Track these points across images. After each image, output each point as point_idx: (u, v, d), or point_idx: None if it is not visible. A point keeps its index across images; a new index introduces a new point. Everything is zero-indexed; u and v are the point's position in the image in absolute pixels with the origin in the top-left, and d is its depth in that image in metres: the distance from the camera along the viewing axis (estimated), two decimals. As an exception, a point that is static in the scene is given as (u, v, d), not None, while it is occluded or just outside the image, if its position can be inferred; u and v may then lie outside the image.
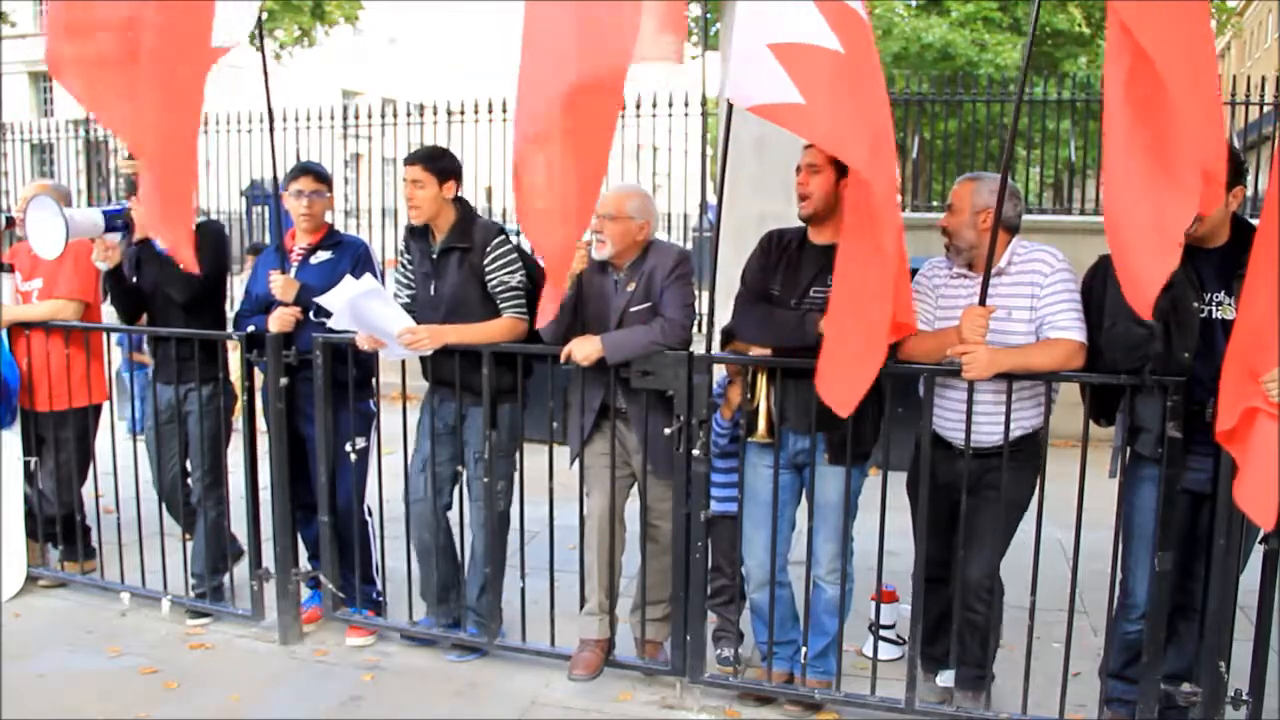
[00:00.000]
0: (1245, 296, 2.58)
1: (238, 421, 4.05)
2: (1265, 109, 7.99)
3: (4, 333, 4.19)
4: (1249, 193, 3.36)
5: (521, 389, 3.56)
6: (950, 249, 3.14)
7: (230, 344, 4.03)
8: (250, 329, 3.83)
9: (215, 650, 3.81)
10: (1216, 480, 2.75)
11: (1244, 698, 2.83)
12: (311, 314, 3.71)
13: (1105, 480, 3.09)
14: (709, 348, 3.31)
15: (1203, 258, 2.81)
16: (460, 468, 3.70)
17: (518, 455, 3.66)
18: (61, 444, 4.26)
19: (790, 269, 3.21)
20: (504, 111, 8.50)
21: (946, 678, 3.34)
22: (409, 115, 9.14)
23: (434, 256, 3.60)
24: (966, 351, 2.85)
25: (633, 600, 3.65)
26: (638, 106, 8.12)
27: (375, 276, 3.72)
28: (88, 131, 11.14)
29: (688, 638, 3.33)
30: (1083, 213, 8.39)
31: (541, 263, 3.22)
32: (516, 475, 3.64)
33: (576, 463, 3.51)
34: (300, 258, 3.87)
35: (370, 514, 3.89)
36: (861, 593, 3.63)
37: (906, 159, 8.39)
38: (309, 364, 3.71)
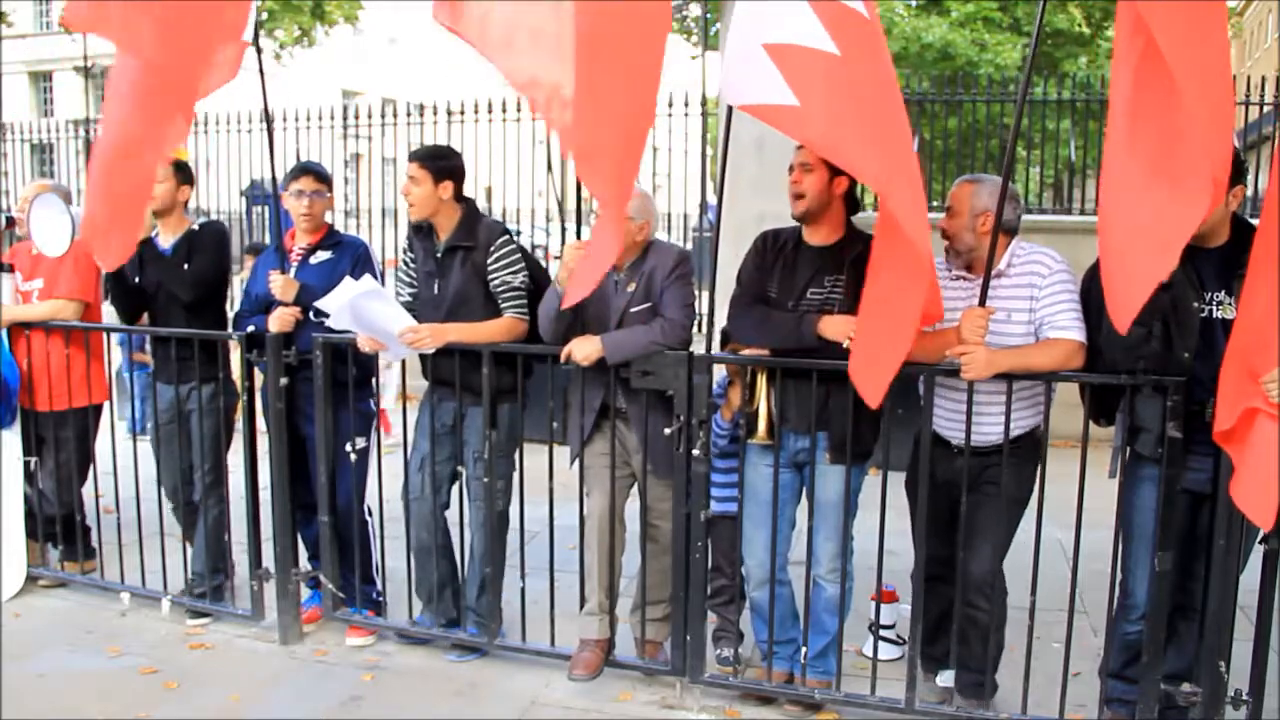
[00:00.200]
0: (1245, 296, 2.58)
1: (240, 420, 4.05)
2: (1265, 109, 7.99)
3: (4, 333, 4.19)
4: (1249, 193, 3.36)
5: (521, 389, 3.57)
6: (949, 251, 3.14)
7: (232, 343, 4.03)
8: (250, 329, 3.83)
9: (215, 650, 3.81)
10: (1216, 480, 2.75)
11: (1244, 698, 2.83)
12: (311, 314, 3.71)
13: (1105, 480, 3.09)
14: (709, 348, 3.31)
15: (1203, 257, 2.81)
16: (459, 467, 3.71)
17: (517, 455, 3.66)
18: (61, 444, 4.26)
19: (786, 270, 3.20)
20: (504, 111, 8.50)
21: (946, 678, 3.34)
22: (409, 115, 9.14)
23: (438, 255, 3.60)
24: (966, 352, 2.85)
25: (633, 600, 3.65)
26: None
27: (375, 277, 3.73)
28: (88, 131, 11.13)
29: (688, 638, 3.33)
30: (1083, 213, 8.39)
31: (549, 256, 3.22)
32: (516, 475, 3.65)
33: (576, 463, 3.51)
34: (300, 258, 3.87)
35: (370, 514, 3.89)
36: (861, 592, 3.63)
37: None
38: (309, 364, 3.71)
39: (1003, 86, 8.94)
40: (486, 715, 3.34)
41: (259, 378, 3.91)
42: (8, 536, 4.17)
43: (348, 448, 3.77)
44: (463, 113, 8.72)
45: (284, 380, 3.77)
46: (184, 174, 4.04)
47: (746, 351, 3.24)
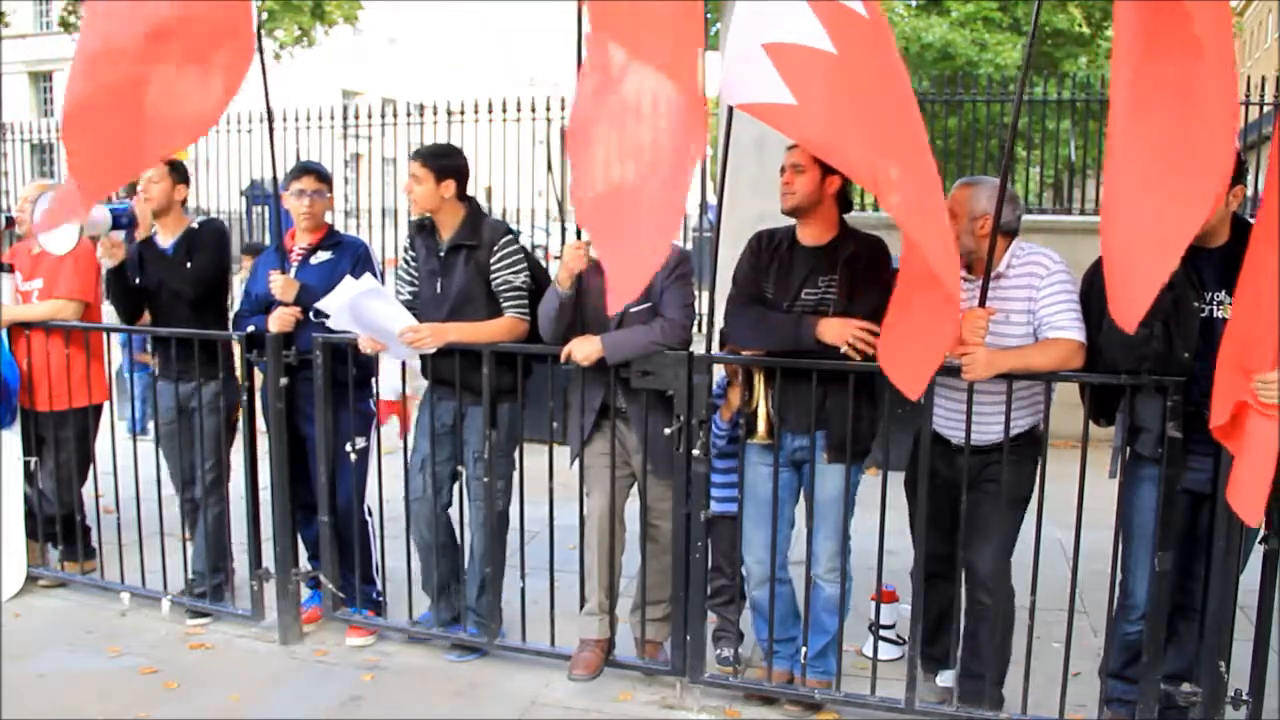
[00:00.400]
0: (1240, 292, 2.58)
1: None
2: (1265, 109, 7.98)
3: (4, 333, 4.19)
4: (1249, 193, 3.36)
5: (521, 389, 3.57)
6: None
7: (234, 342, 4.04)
8: (250, 329, 3.83)
9: (215, 650, 3.81)
10: (1216, 480, 2.75)
11: (1244, 698, 2.83)
12: (311, 314, 3.71)
13: (1105, 480, 3.09)
14: (709, 348, 3.31)
15: (1203, 257, 2.81)
16: (459, 467, 3.71)
17: (517, 454, 3.66)
18: (61, 444, 4.26)
19: (781, 270, 3.20)
20: (504, 111, 8.50)
21: (946, 678, 3.33)
22: (409, 115, 9.15)
23: (441, 254, 3.60)
24: (966, 353, 2.85)
25: (633, 600, 3.65)
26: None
27: (375, 277, 3.73)
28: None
29: (688, 638, 3.33)
30: (1083, 213, 8.39)
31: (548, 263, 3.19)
32: (515, 475, 3.65)
33: (576, 463, 3.51)
34: (300, 258, 3.87)
35: (370, 514, 3.89)
36: (861, 592, 3.63)
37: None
38: (309, 364, 3.71)
39: (1003, 86, 8.95)
40: (486, 715, 3.34)
41: (259, 378, 3.91)
42: (8, 536, 4.17)
43: (348, 448, 3.77)
44: (463, 113, 8.72)
45: (284, 380, 3.77)
46: (179, 173, 4.04)
47: (746, 352, 3.24)
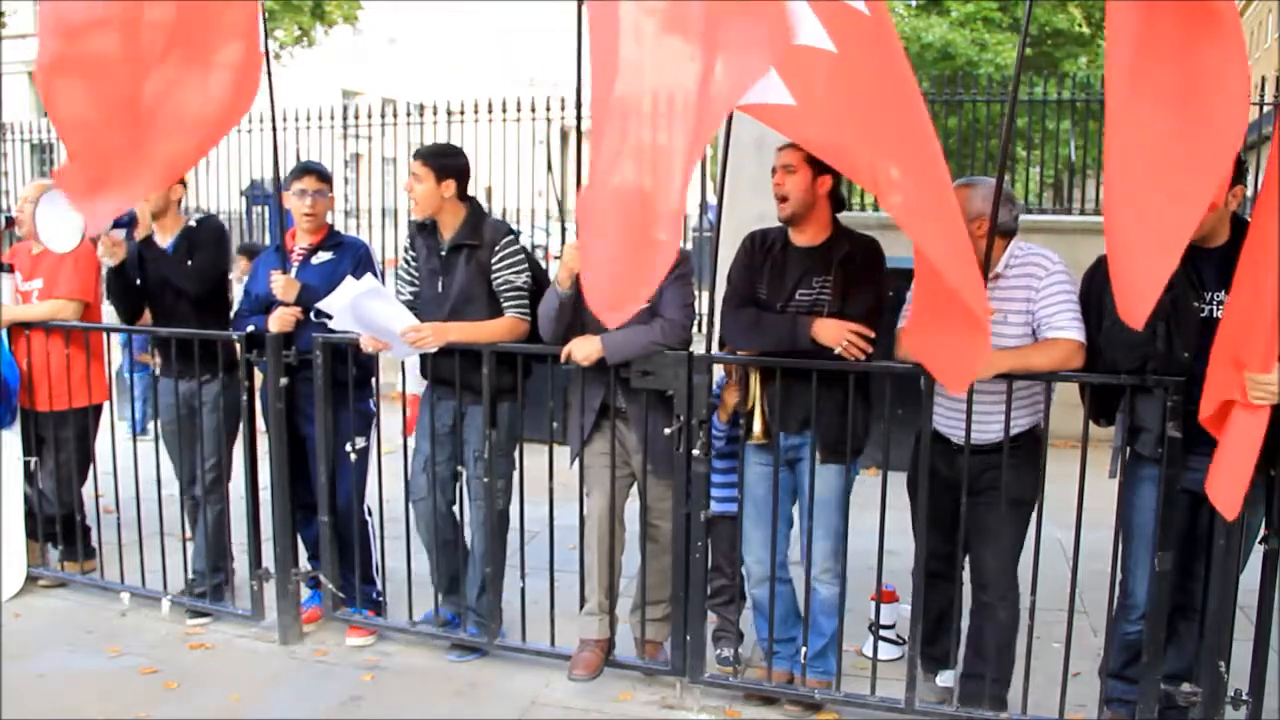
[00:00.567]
0: (1235, 288, 2.58)
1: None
2: (1265, 109, 7.98)
3: (4, 333, 4.19)
4: (1248, 193, 3.36)
5: (521, 388, 3.57)
6: None
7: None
8: (250, 329, 3.83)
9: (215, 650, 3.81)
10: (1217, 480, 2.75)
11: (1244, 698, 2.84)
12: (312, 314, 3.71)
13: (1105, 480, 3.09)
14: (709, 348, 3.31)
15: (1203, 257, 2.81)
16: (459, 467, 3.71)
17: (517, 454, 3.66)
18: (61, 444, 4.26)
19: (775, 271, 3.21)
20: (504, 111, 8.50)
21: (946, 678, 3.34)
22: (409, 115, 9.14)
23: (442, 253, 3.60)
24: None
25: (633, 600, 3.65)
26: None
27: (376, 277, 3.73)
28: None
29: (688, 638, 3.33)
30: (1083, 213, 8.40)
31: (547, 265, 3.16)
32: (515, 474, 3.65)
33: (576, 463, 3.51)
34: (301, 258, 3.87)
35: (370, 514, 3.89)
36: (862, 592, 3.63)
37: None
38: (309, 364, 3.71)
39: (1003, 86, 8.94)
40: (486, 715, 3.34)
41: (259, 378, 3.91)
42: (8, 536, 4.17)
43: (348, 448, 3.77)
44: (462, 113, 8.71)
45: (284, 380, 3.77)
46: None
47: (743, 352, 3.24)
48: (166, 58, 3.43)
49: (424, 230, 3.66)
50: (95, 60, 3.44)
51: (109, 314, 4.35)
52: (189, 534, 4.13)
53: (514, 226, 3.95)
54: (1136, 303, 2.46)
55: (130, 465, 4.07)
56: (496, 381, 3.49)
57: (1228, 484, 2.55)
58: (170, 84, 3.45)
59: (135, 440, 4.21)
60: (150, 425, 4.33)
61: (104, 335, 4.33)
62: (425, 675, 3.61)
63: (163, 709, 3.34)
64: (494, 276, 3.54)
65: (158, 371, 4.12)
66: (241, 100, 3.50)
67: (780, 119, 2.76)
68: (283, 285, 3.71)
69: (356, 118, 9.57)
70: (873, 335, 3.03)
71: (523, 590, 3.63)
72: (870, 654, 3.39)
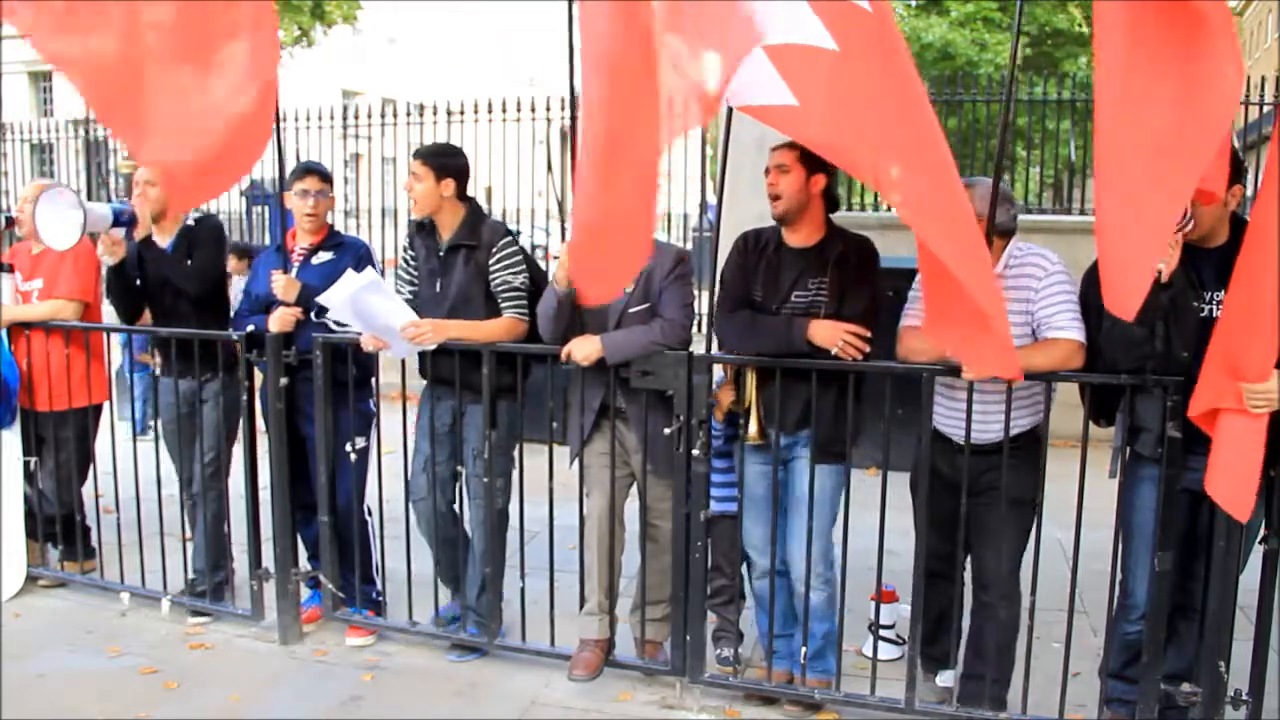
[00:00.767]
0: (1232, 292, 2.58)
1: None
2: (1265, 109, 7.98)
3: (4, 333, 4.19)
4: (1247, 192, 3.35)
5: (521, 388, 3.57)
6: None
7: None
8: (250, 329, 3.83)
9: (215, 650, 3.81)
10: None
11: (1244, 698, 2.84)
12: (312, 314, 3.71)
13: (1105, 480, 3.09)
14: (709, 348, 3.30)
15: (1202, 257, 2.81)
16: (459, 467, 3.71)
17: (516, 453, 3.66)
18: (61, 444, 4.26)
19: (769, 272, 3.20)
20: (504, 111, 8.50)
21: (946, 678, 3.34)
22: (409, 115, 9.14)
23: (440, 253, 3.61)
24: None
25: (633, 600, 3.65)
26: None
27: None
28: (87, 131, 11.13)
29: (688, 638, 3.33)
30: (1082, 213, 8.39)
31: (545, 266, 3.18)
32: (515, 473, 3.65)
33: (576, 463, 3.51)
34: (302, 258, 3.87)
35: (370, 514, 3.89)
36: (862, 592, 3.63)
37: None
38: (309, 364, 3.71)
39: (1002, 86, 8.90)
40: (486, 715, 3.34)
41: (259, 377, 3.91)
42: (8, 536, 4.17)
43: (347, 448, 3.77)
44: (462, 113, 8.72)
45: (284, 380, 3.77)
46: None
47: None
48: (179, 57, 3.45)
49: (423, 230, 3.66)
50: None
51: (109, 314, 4.35)
52: (189, 534, 4.13)
53: (514, 227, 3.95)
54: (1125, 295, 2.47)
55: (130, 465, 4.08)
56: (496, 381, 3.49)
57: (1233, 486, 2.54)
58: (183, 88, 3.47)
59: (135, 440, 4.21)
60: (151, 425, 4.33)
61: (104, 335, 4.33)
62: (425, 675, 3.61)
63: (163, 709, 3.34)
64: (492, 277, 3.54)
65: (158, 371, 4.12)
66: (263, 94, 3.51)
67: (782, 119, 2.76)
68: (283, 285, 3.71)
69: (356, 118, 9.58)
70: (869, 335, 3.03)
71: (523, 590, 3.63)
72: (870, 654, 3.39)
